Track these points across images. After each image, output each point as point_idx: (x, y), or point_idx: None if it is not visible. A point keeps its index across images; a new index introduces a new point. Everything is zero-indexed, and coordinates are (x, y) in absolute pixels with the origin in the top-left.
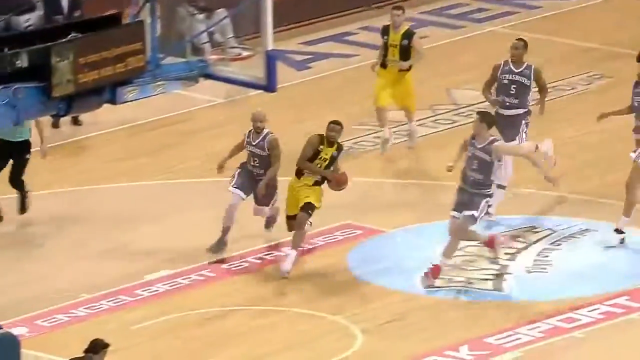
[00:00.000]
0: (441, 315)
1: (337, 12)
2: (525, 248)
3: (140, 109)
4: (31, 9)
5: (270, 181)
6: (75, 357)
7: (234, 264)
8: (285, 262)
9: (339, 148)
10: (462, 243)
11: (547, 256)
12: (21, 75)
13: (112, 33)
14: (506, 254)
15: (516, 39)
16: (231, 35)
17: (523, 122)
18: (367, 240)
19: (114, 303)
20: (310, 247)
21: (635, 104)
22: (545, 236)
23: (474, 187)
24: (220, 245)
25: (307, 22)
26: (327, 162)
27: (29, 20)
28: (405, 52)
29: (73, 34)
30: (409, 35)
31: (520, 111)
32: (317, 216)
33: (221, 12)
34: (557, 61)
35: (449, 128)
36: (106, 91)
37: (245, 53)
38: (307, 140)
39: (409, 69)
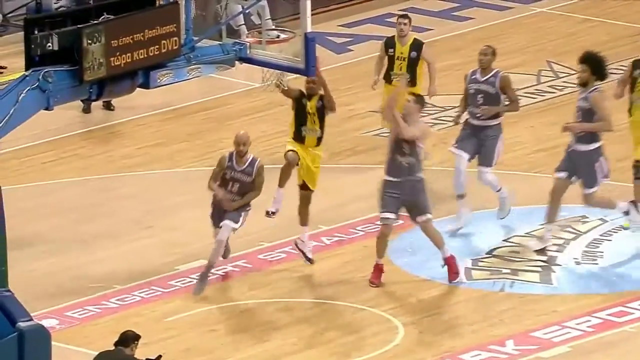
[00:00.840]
0: (486, 308)
1: None
2: (575, 239)
3: (174, 93)
4: None
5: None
6: (106, 351)
7: (270, 255)
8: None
9: (322, 98)
10: (510, 232)
11: (597, 247)
12: (51, 58)
13: (145, 15)
14: (555, 244)
15: (485, 45)
16: (268, 17)
17: (497, 135)
18: (409, 230)
19: (147, 294)
20: (350, 237)
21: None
22: (596, 226)
23: None
24: (203, 283)
25: (347, 3)
26: (315, 115)
27: (59, 1)
28: (414, 66)
29: (105, 16)
30: (417, 46)
31: (491, 122)
32: (357, 205)
33: None
34: (609, 44)
35: None
36: (139, 75)
37: (283, 36)
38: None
39: (414, 84)
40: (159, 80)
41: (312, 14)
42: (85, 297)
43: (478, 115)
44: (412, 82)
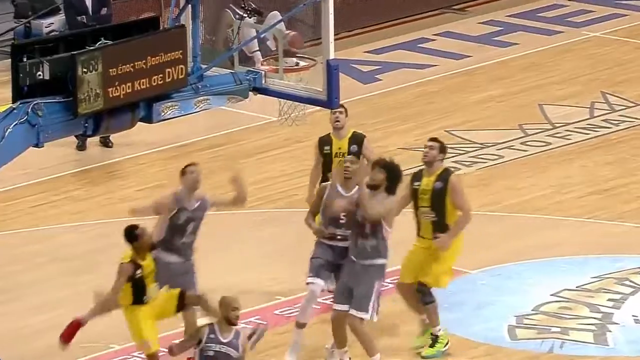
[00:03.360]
0: None
1: (410, 16)
2: (633, 293)
3: (180, 128)
4: (54, 11)
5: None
6: None
7: (286, 311)
8: None
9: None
10: (559, 286)
11: None
12: (42, 89)
13: (147, 40)
14: (610, 300)
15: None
16: None
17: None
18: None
19: None
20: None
21: None
22: None
23: None
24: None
25: (374, 27)
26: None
27: (51, 24)
28: None
29: (102, 41)
30: (357, 139)
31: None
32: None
33: (274, 15)
34: None
35: (542, 151)
36: (140, 107)
37: (302, 63)
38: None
39: None
40: (162, 114)
41: (335, 39)
42: (81, 358)
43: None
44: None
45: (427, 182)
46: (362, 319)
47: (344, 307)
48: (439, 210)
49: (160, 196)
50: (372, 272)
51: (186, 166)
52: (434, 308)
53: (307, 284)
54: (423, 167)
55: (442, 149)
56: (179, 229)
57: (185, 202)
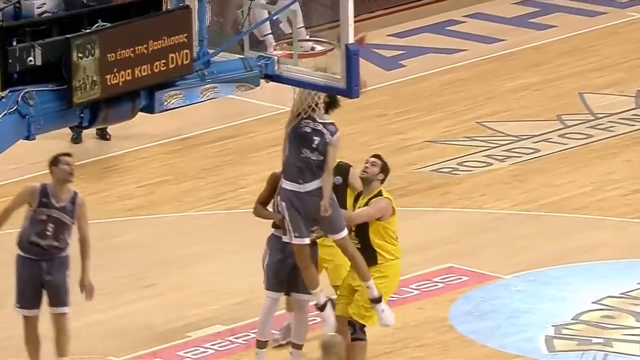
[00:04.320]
0: None
1: None
2: None
3: (184, 119)
4: None
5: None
6: None
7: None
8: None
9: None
10: (601, 293)
11: None
12: (33, 76)
13: (149, 22)
14: None
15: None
16: (301, 25)
17: None
18: (475, 289)
19: None
20: (402, 297)
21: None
22: None
23: None
24: None
25: (399, 8)
26: None
27: (43, 4)
28: (341, 195)
29: (100, 23)
30: (342, 170)
31: None
32: (410, 258)
33: None
34: None
35: (582, 145)
36: (141, 96)
37: (319, 48)
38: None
39: None
40: (165, 103)
41: (355, 21)
42: None
43: None
44: None
45: (360, 203)
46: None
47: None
48: (363, 236)
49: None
50: None
51: (59, 156)
52: (360, 347)
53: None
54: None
55: (384, 169)
56: (40, 226)
57: (52, 197)
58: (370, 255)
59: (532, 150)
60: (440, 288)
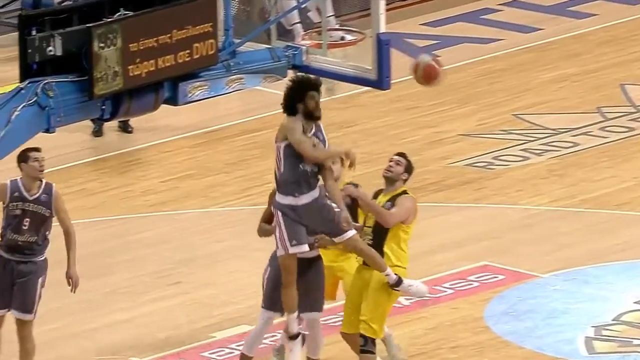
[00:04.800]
0: None
1: None
2: None
3: (209, 111)
4: None
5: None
6: None
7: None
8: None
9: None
10: None
11: None
12: (53, 66)
13: (173, 11)
14: None
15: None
16: (331, 14)
17: None
18: (511, 289)
19: None
20: (435, 296)
21: None
22: None
23: None
24: None
25: None
26: None
27: None
28: None
29: (122, 12)
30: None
31: None
32: (445, 255)
33: None
34: None
35: (624, 138)
36: (165, 88)
37: (349, 37)
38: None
39: None
40: (189, 95)
41: (387, 9)
42: None
43: None
44: None
45: (380, 201)
46: None
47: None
48: (380, 234)
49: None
50: None
51: (28, 151)
52: None
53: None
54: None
55: (408, 168)
56: (15, 222)
57: (24, 190)
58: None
59: (571, 144)
60: (475, 287)
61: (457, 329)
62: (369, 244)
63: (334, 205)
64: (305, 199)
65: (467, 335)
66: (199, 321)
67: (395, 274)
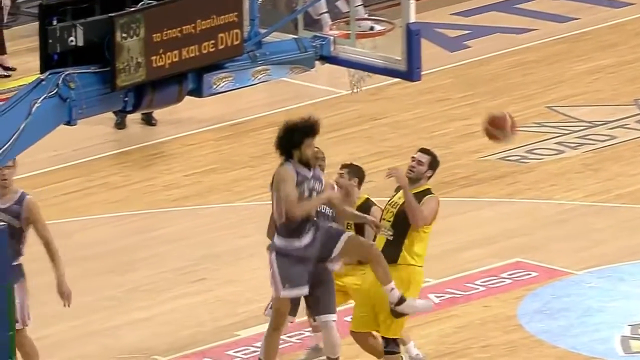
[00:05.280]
0: None
1: None
2: None
3: (234, 103)
4: None
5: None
6: None
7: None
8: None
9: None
10: None
11: None
12: (75, 57)
13: (197, 0)
14: None
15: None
16: (360, 3)
17: None
18: (544, 286)
19: None
20: (466, 294)
21: None
22: None
23: None
24: None
25: None
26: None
27: None
28: None
29: (145, 1)
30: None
31: None
32: (475, 252)
33: None
34: None
35: None
36: (189, 79)
37: (378, 27)
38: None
39: None
40: (214, 86)
41: None
42: None
43: None
44: None
45: (401, 196)
46: None
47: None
48: (400, 229)
49: None
50: None
51: None
52: None
53: None
54: None
55: (433, 164)
56: None
57: None
58: (393, 252)
59: (607, 137)
60: (508, 284)
61: (488, 327)
62: (388, 240)
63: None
64: (308, 238)
65: (499, 334)
66: (222, 319)
67: (399, 293)
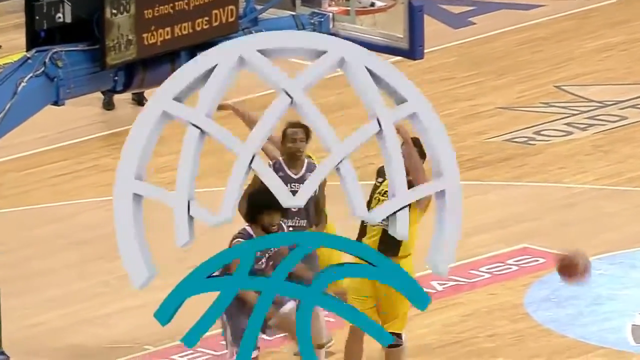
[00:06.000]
0: None
1: None
2: None
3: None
4: None
5: None
6: None
7: None
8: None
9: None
10: None
11: None
12: (62, 35)
13: None
14: None
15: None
16: None
17: None
18: (553, 273)
19: (191, 359)
20: (471, 281)
21: None
22: None
23: None
24: None
25: None
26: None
27: None
28: None
29: None
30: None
31: None
32: (481, 237)
33: None
34: None
35: None
36: (182, 57)
37: (379, 3)
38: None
39: None
40: None
41: None
42: None
43: None
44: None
45: (384, 186)
46: None
47: None
48: None
49: None
50: None
51: None
52: (397, 354)
53: None
54: None
55: (421, 153)
56: None
57: None
58: (394, 243)
59: (618, 118)
60: (514, 271)
61: (494, 316)
62: (384, 230)
63: None
64: None
65: (505, 322)
66: None
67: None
